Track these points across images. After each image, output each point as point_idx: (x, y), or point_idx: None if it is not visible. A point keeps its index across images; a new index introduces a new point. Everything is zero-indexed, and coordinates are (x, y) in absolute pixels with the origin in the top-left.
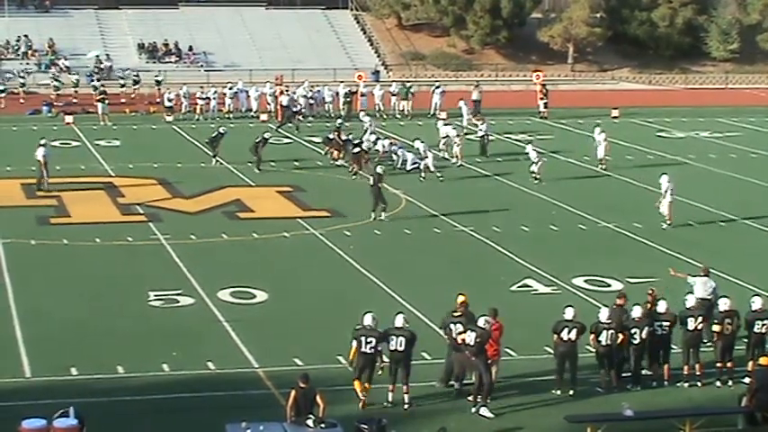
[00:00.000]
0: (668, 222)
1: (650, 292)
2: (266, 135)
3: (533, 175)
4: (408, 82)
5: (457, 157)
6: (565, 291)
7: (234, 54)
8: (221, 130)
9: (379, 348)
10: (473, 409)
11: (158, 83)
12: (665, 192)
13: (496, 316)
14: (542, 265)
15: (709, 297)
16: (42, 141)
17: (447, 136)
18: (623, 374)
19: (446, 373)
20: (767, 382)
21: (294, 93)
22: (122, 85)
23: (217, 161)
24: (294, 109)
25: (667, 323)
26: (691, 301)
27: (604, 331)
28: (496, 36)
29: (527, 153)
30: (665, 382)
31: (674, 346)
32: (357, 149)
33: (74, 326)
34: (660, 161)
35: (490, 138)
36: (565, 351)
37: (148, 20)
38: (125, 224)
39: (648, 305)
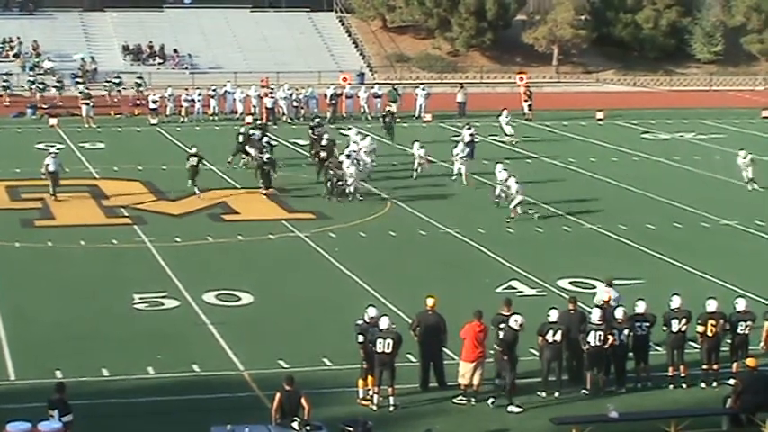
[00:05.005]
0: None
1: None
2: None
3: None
4: (395, 84)
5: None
6: (550, 293)
7: (218, 56)
8: (192, 152)
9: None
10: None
11: (139, 85)
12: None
13: (481, 318)
14: (527, 267)
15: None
16: (53, 151)
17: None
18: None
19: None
20: (752, 383)
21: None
22: (109, 90)
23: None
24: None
25: (647, 324)
26: (675, 303)
27: (593, 332)
28: (481, 38)
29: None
30: (649, 383)
31: (658, 348)
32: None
33: (58, 328)
34: (645, 163)
35: (476, 140)
36: (550, 353)
37: (133, 22)
38: (110, 227)
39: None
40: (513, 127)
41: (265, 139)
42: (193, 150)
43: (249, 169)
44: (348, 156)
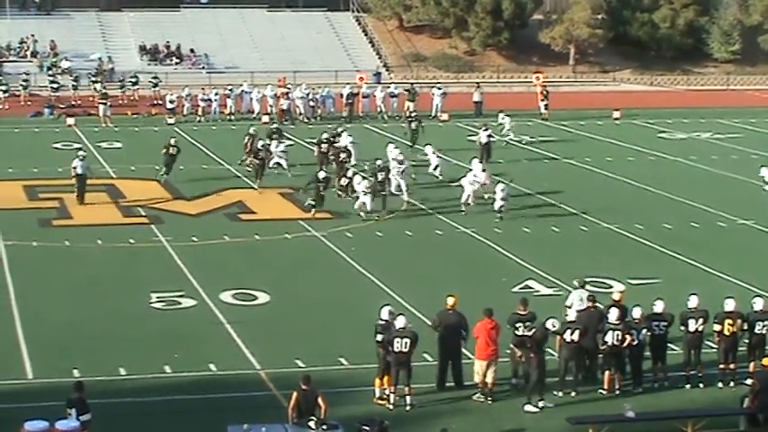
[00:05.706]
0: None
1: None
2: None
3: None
4: (412, 83)
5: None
6: (566, 292)
7: (235, 56)
8: (171, 142)
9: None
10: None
11: (155, 85)
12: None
13: (492, 315)
14: (544, 266)
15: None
16: (80, 154)
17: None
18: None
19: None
20: None
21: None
22: (123, 90)
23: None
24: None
25: (665, 323)
26: (693, 302)
27: (610, 332)
28: (498, 38)
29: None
30: (666, 383)
31: (675, 348)
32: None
33: (75, 327)
34: (661, 162)
35: (492, 140)
36: (568, 352)
37: (150, 22)
38: (127, 226)
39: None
40: (528, 127)
41: (275, 143)
42: (172, 141)
43: (272, 169)
44: (365, 176)
